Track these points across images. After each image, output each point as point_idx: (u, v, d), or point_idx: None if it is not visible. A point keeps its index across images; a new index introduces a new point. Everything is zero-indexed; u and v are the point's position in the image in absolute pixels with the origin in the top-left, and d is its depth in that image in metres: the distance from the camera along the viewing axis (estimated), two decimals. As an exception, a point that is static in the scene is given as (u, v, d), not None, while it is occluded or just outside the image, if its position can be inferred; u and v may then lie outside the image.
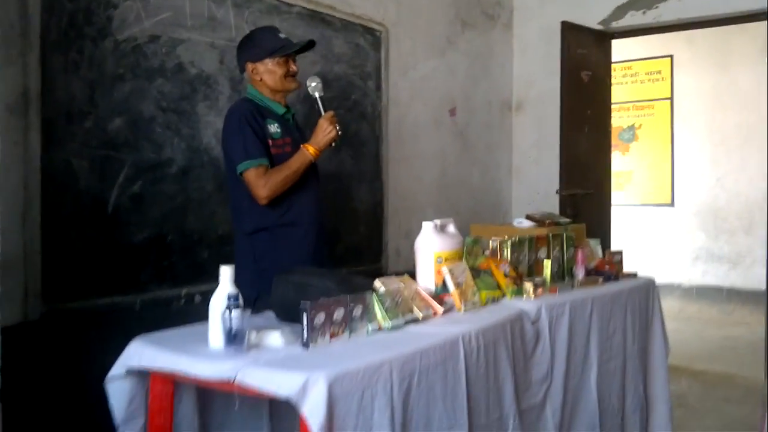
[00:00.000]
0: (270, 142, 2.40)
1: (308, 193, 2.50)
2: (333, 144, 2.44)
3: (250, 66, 2.48)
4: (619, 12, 4.89)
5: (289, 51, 2.46)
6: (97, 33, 2.59)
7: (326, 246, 2.65)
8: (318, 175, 2.62)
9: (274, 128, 2.42)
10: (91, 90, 2.57)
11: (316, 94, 2.48)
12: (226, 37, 3.07)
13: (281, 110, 2.51)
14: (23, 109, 2.37)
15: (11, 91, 2.31)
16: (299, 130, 2.59)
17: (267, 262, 2.39)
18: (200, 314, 1.94)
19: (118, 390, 1.79)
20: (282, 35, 2.51)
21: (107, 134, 2.61)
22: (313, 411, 1.41)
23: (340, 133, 2.43)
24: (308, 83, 2.50)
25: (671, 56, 6.82)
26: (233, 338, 1.64)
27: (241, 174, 2.34)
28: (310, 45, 2.58)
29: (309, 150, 2.38)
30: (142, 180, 2.72)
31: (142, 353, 1.74)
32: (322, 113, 2.45)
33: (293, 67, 2.48)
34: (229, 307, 1.65)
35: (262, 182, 2.32)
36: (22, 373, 2.24)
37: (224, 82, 3.07)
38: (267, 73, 2.45)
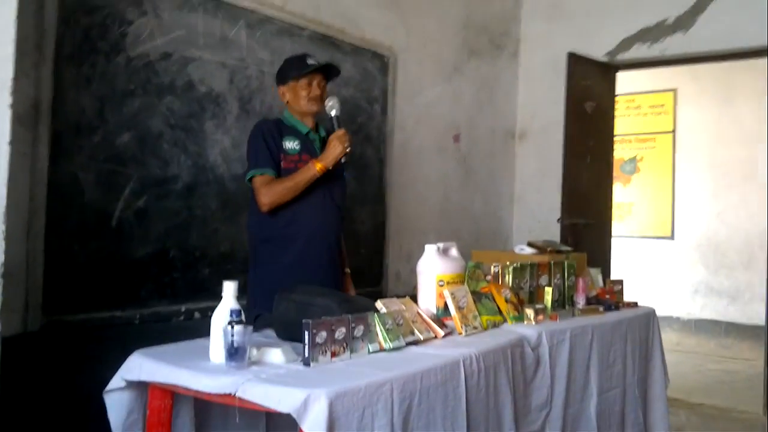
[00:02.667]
0: (282, 156, 2.49)
1: (315, 209, 2.53)
2: (342, 160, 2.49)
3: (280, 89, 2.62)
4: (626, 44, 4.94)
5: (305, 71, 2.54)
6: (111, 48, 2.63)
7: (334, 266, 2.64)
8: (337, 196, 2.61)
9: (291, 145, 2.52)
10: (101, 104, 2.60)
11: (332, 113, 2.55)
12: (237, 57, 3.11)
13: (305, 129, 2.59)
14: (33, 120, 2.39)
15: (22, 103, 2.32)
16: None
17: (265, 272, 2.49)
18: (199, 331, 1.94)
19: (117, 402, 1.79)
20: (310, 61, 2.59)
21: (115, 149, 2.64)
22: (313, 427, 1.41)
23: (348, 150, 2.48)
24: (326, 102, 2.57)
25: (675, 90, 6.88)
26: (234, 353, 1.64)
27: (249, 181, 2.48)
28: (332, 70, 2.66)
29: (315, 165, 2.44)
30: (146, 195, 2.74)
31: (142, 366, 1.74)
32: (335, 130, 2.52)
33: (316, 91, 2.56)
34: (231, 323, 1.65)
35: (264, 190, 2.43)
36: (20, 383, 2.24)
37: (233, 102, 3.10)
38: (292, 95, 2.57)
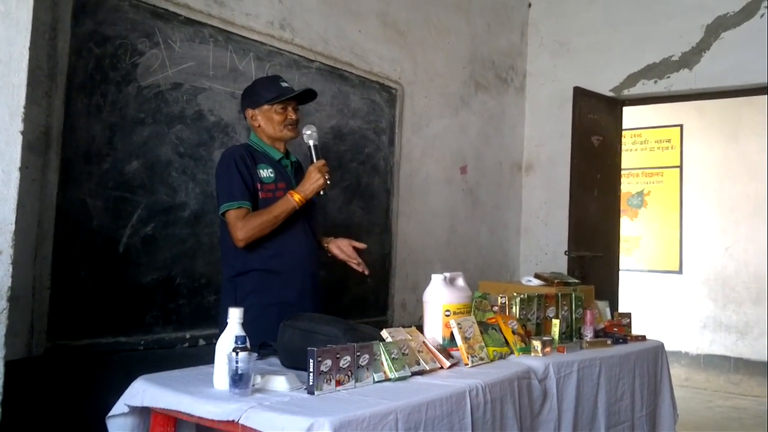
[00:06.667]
0: (259, 185, 2.40)
1: (298, 241, 2.47)
2: (321, 193, 2.43)
3: (249, 112, 2.52)
4: (631, 80, 4.99)
5: (284, 98, 2.47)
6: (122, 78, 2.67)
7: (318, 297, 2.55)
8: (314, 224, 2.59)
9: (266, 173, 2.43)
10: (111, 132, 2.63)
11: (311, 143, 2.49)
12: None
13: (277, 156, 2.51)
14: (44, 147, 2.42)
15: (33, 130, 2.35)
16: (297, 177, 2.54)
17: (248, 306, 2.27)
18: (203, 358, 1.94)
19: (120, 428, 1.78)
20: (284, 84, 2.53)
21: (124, 176, 2.66)
22: (316, 456, 1.39)
23: (328, 182, 2.42)
24: (303, 131, 2.50)
25: (681, 125, 6.91)
26: (239, 380, 1.63)
27: (222, 215, 2.37)
28: (310, 94, 2.60)
29: (294, 197, 2.37)
30: (154, 222, 2.75)
31: (145, 392, 1.73)
32: (314, 161, 2.45)
33: (292, 116, 2.49)
34: (236, 349, 1.64)
35: (240, 224, 2.32)
36: (23, 408, 2.22)
37: (242, 131, 3.12)
38: (265, 120, 2.48)
